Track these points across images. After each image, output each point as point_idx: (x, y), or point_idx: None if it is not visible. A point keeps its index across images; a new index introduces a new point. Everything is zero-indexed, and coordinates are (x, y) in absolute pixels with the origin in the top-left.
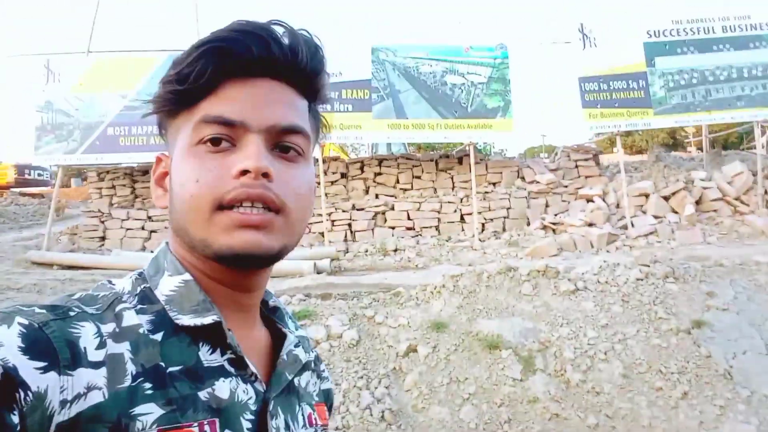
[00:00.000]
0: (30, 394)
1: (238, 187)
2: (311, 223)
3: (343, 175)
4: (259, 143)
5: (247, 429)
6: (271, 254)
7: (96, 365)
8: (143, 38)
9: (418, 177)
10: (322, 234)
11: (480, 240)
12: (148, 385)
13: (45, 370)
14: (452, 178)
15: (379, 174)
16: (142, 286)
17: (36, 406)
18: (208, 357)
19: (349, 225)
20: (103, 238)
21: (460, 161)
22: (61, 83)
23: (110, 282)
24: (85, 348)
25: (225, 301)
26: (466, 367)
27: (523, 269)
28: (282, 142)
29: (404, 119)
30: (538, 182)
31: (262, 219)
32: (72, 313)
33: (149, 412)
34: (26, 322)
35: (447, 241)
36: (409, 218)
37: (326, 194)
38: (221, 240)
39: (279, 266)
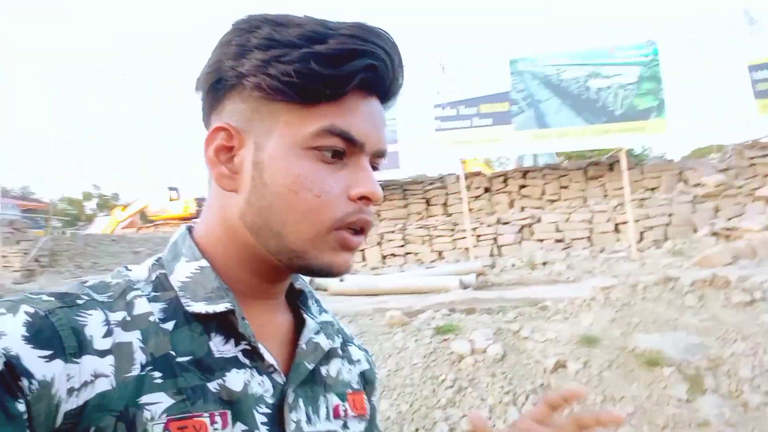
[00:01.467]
0: (35, 383)
1: (357, 212)
2: (456, 239)
3: (487, 190)
4: (369, 167)
5: (262, 423)
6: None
7: (102, 353)
8: None
9: (566, 187)
10: (467, 249)
11: (638, 250)
12: (157, 374)
13: (50, 358)
14: (603, 186)
15: (524, 186)
16: (158, 273)
17: (42, 394)
18: (221, 347)
19: (495, 239)
20: None
21: (611, 168)
22: None
23: (127, 268)
24: (91, 336)
25: (248, 288)
26: (622, 384)
27: (686, 279)
28: (373, 163)
29: (547, 128)
30: (704, 185)
31: (361, 242)
32: (80, 301)
33: (158, 402)
34: (32, 310)
35: (600, 252)
36: (557, 230)
37: (470, 209)
38: (325, 258)
39: (423, 283)
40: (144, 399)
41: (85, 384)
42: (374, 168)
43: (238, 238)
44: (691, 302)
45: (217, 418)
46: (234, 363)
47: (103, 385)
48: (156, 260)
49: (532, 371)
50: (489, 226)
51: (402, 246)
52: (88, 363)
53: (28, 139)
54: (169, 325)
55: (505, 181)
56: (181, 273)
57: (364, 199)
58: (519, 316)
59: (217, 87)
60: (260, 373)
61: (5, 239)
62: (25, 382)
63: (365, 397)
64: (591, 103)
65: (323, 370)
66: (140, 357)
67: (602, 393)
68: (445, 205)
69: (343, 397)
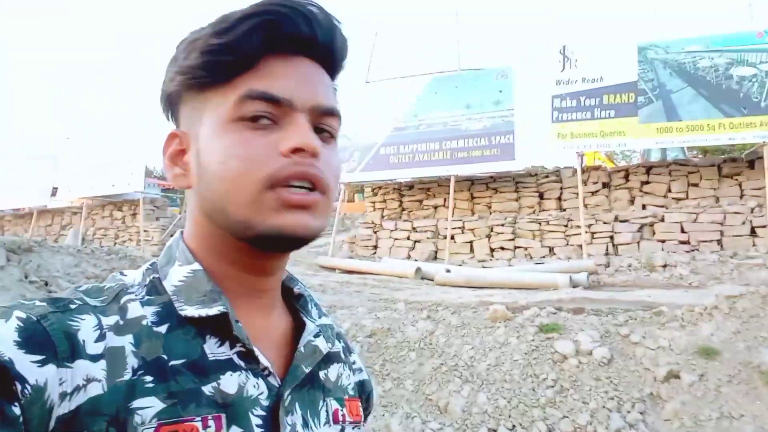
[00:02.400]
0: (28, 387)
1: (291, 165)
2: (569, 236)
3: (605, 185)
4: (306, 122)
5: (257, 425)
6: (314, 235)
7: (95, 358)
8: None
9: (695, 185)
10: (580, 246)
11: None
12: (149, 378)
13: (42, 363)
14: (740, 185)
15: (647, 183)
16: (152, 277)
17: (35, 399)
18: (215, 350)
19: (611, 237)
20: (375, 247)
21: (751, 165)
22: (344, 112)
23: (122, 273)
24: (84, 340)
25: (240, 288)
26: (742, 402)
27: None
28: (320, 124)
29: (677, 121)
30: None
31: (314, 200)
32: (73, 306)
33: (149, 406)
34: (24, 315)
35: (732, 257)
36: (683, 231)
37: (585, 205)
38: (270, 220)
39: (531, 278)
40: (135, 403)
41: (78, 388)
42: (324, 130)
43: (206, 231)
44: None
45: (210, 422)
46: (229, 366)
47: (95, 389)
48: (150, 265)
49: (640, 379)
50: (605, 223)
51: (511, 239)
52: (81, 367)
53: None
54: (162, 329)
55: (626, 176)
56: (174, 277)
57: (298, 151)
58: (630, 320)
59: (168, 104)
60: (255, 376)
61: (147, 215)
62: (18, 387)
63: (360, 404)
64: (732, 94)
65: (322, 374)
66: (132, 361)
67: (719, 410)
68: (559, 199)
69: (341, 402)
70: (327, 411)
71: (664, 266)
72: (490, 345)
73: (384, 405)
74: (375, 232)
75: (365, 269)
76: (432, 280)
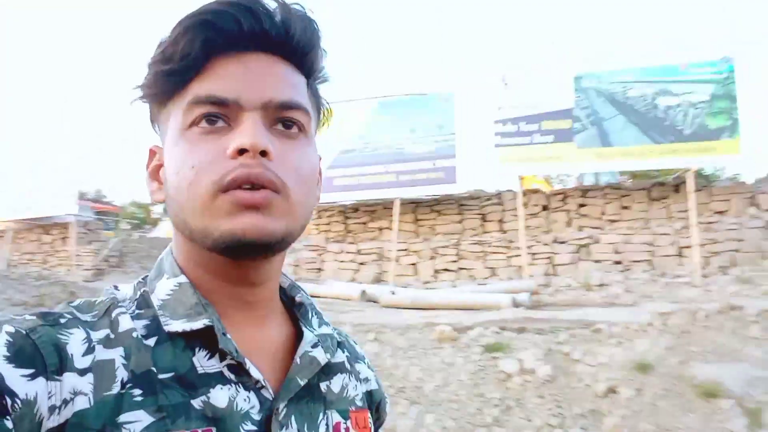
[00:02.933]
0: (18, 401)
1: (237, 167)
2: (510, 257)
3: (545, 208)
4: (256, 120)
5: None
6: (275, 238)
7: (82, 372)
8: (357, 87)
9: (627, 207)
10: (521, 267)
11: (703, 276)
12: (137, 391)
13: (32, 377)
14: (668, 208)
15: (583, 205)
16: (142, 290)
17: (25, 413)
18: (205, 363)
19: (550, 258)
20: (320, 270)
21: (676, 189)
22: None
23: (115, 287)
24: (72, 354)
25: (228, 299)
26: (677, 415)
27: (751, 309)
28: (281, 118)
29: (610, 146)
30: None
31: (264, 197)
32: (63, 320)
33: (137, 420)
34: (13, 330)
35: (661, 276)
36: (616, 252)
37: (526, 227)
38: (223, 225)
39: (475, 299)
40: (123, 417)
41: (65, 402)
42: (293, 123)
43: (183, 244)
44: (756, 333)
45: None
46: (218, 379)
47: (82, 403)
48: (142, 278)
49: (582, 395)
50: (545, 244)
51: (455, 261)
52: (69, 381)
53: (102, 144)
54: (151, 342)
55: (563, 199)
56: (162, 291)
57: (244, 152)
58: (571, 338)
59: (150, 121)
60: (246, 389)
61: (79, 239)
62: (8, 401)
63: (369, 416)
64: (659, 122)
65: (324, 386)
66: (122, 374)
67: (655, 423)
68: (501, 221)
69: (345, 415)
70: (327, 424)
71: (600, 285)
72: (437, 366)
73: None
74: (319, 255)
75: (310, 292)
76: (377, 302)
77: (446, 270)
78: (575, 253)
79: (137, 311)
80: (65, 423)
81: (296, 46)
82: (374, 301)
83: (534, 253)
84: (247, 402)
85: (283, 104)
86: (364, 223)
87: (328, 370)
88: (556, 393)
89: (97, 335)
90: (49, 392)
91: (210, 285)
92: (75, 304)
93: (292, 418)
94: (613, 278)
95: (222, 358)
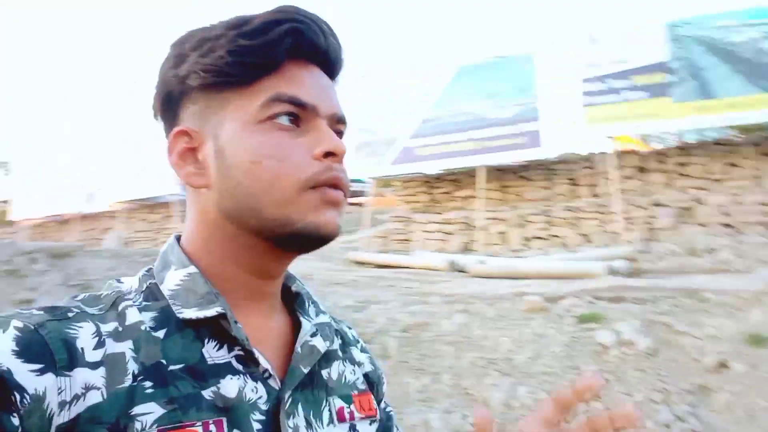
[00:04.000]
0: (27, 397)
1: (326, 169)
2: (605, 222)
3: (641, 169)
4: (328, 128)
5: (258, 430)
6: (338, 235)
7: (94, 365)
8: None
9: (735, 165)
10: (617, 233)
11: None
12: (148, 383)
13: (41, 372)
14: None
15: (685, 164)
16: (149, 282)
17: (34, 408)
18: (214, 354)
19: (649, 223)
20: (407, 240)
21: None
22: (372, 105)
23: (118, 281)
24: (82, 348)
25: (243, 290)
26: None
27: None
28: (335, 130)
29: (713, 99)
30: None
31: (342, 197)
32: (71, 314)
33: (149, 412)
34: (21, 325)
35: None
36: (725, 214)
37: (621, 190)
38: (309, 217)
39: (568, 267)
40: (135, 410)
41: (77, 397)
42: (339, 135)
43: (221, 233)
44: None
45: (212, 427)
46: (228, 369)
47: (95, 397)
48: (146, 271)
49: (687, 369)
50: (642, 208)
51: (545, 228)
52: (80, 376)
53: None
54: (161, 334)
55: (662, 159)
56: (171, 281)
57: (330, 156)
58: (674, 308)
59: (168, 102)
60: (254, 379)
61: (180, 217)
62: (17, 397)
63: (373, 398)
64: None
65: (324, 373)
66: (133, 366)
67: None
68: (592, 185)
69: (348, 400)
70: (330, 410)
71: (707, 250)
72: (528, 337)
73: (422, 400)
74: (406, 226)
75: (398, 263)
76: (466, 272)
77: (536, 238)
78: (677, 217)
79: (144, 303)
80: (76, 418)
81: (338, 68)
82: (462, 271)
83: (630, 218)
84: (254, 392)
85: (341, 118)
86: (449, 192)
87: (327, 358)
88: (659, 367)
89: (107, 328)
90: (59, 388)
91: (226, 275)
92: (80, 298)
93: (299, 406)
94: (721, 242)
95: (231, 349)
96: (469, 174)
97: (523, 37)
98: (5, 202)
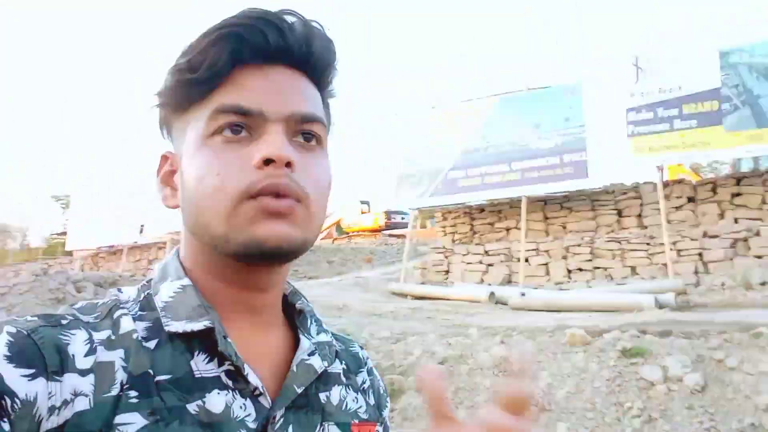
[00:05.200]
0: (18, 402)
1: (264, 177)
2: (653, 254)
3: (690, 199)
4: (279, 132)
5: None
6: (295, 246)
7: (83, 372)
8: (478, 86)
9: None
10: (665, 265)
11: None
12: (133, 393)
13: (33, 377)
14: None
15: (738, 195)
16: (146, 293)
17: (24, 413)
18: (203, 367)
19: (700, 255)
20: (447, 272)
21: None
22: (413, 137)
23: (119, 290)
24: (73, 355)
25: (232, 304)
26: None
27: None
28: (301, 131)
29: (767, 127)
30: None
31: (288, 206)
32: (64, 321)
33: (131, 422)
34: (14, 330)
35: None
36: None
37: (669, 221)
38: (247, 231)
39: (612, 300)
40: (118, 419)
41: (65, 402)
42: (312, 136)
43: (195, 248)
44: None
45: None
46: (216, 383)
47: (82, 404)
48: (147, 281)
49: (739, 407)
50: (693, 239)
51: (590, 260)
52: (70, 381)
53: None
54: (152, 344)
55: (713, 189)
56: (165, 293)
57: (270, 163)
58: (726, 343)
59: (162, 127)
60: (243, 396)
61: None
62: (8, 401)
63: (378, 428)
64: None
65: (322, 396)
66: (121, 376)
67: None
68: (639, 216)
69: (345, 428)
70: None
71: (763, 284)
72: (568, 371)
73: None
74: (446, 257)
75: (437, 295)
76: (506, 304)
77: (580, 270)
78: (730, 248)
79: (140, 313)
80: (65, 424)
81: (315, 62)
82: (503, 303)
83: (680, 250)
84: (242, 410)
85: (304, 117)
86: (491, 224)
87: (327, 380)
88: (708, 404)
89: (99, 336)
90: (50, 393)
91: (216, 289)
92: (77, 306)
93: (290, 428)
94: None
95: (220, 363)
96: (511, 205)
97: (568, 67)
98: (64, 233)
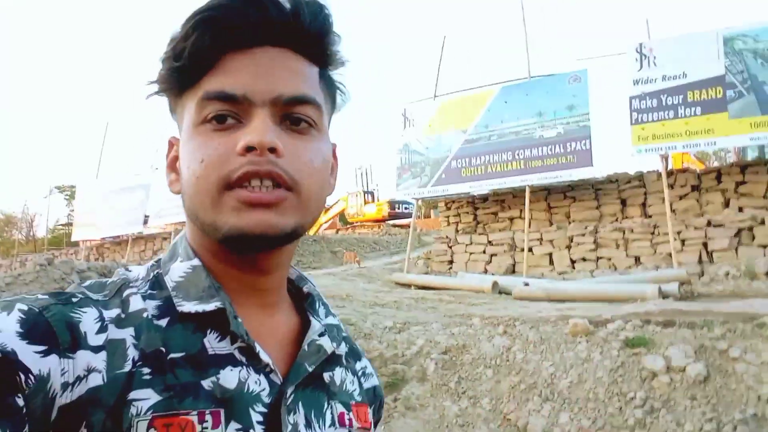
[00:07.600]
0: (31, 378)
1: (245, 164)
2: (656, 244)
3: (695, 188)
4: (265, 117)
5: (258, 422)
6: (284, 234)
7: (96, 349)
8: (479, 75)
9: None
10: (670, 255)
11: None
12: (146, 370)
13: (45, 353)
14: None
15: (743, 183)
16: (155, 272)
17: (38, 389)
18: (216, 345)
19: (704, 244)
20: (451, 262)
21: None
22: (414, 127)
23: (127, 269)
24: (85, 332)
25: (238, 285)
26: None
27: None
28: (291, 114)
29: None
30: None
31: (275, 197)
32: (75, 299)
33: (145, 398)
34: (26, 307)
35: None
36: None
37: (673, 210)
38: (230, 221)
39: (616, 290)
40: (132, 395)
41: (79, 379)
42: (301, 119)
43: (197, 233)
44: None
45: (207, 417)
46: (229, 360)
47: (96, 380)
48: (156, 261)
49: (742, 398)
50: (697, 228)
51: (593, 250)
52: (82, 358)
53: None
54: (163, 322)
55: (718, 177)
56: (176, 273)
57: (252, 150)
58: (729, 333)
59: (171, 112)
60: (257, 372)
61: None
62: (22, 378)
63: (369, 411)
64: None
65: (327, 376)
66: (133, 353)
67: None
68: (643, 205)
69: (347, 407)
70: (332, 413)
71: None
72: (571, 361)
73: (461, 425)
74: (450, 247)
75: (440, 285)
76: (510, 294)
77: (583, 259)
78: (735, 237)
79: (150, 291)
80: (78, 399)
81: (307, 36)
82: (507, 293)
83: (684, 239)
84: (258, 384)
85: (291, 99)
86: (494, 213)
87: (332, 361)
88: (711, 395)
89: (110, 314)
90: (62, 369)
91: (222, 271)
92: (86, 285)
93: (300, 403)
94: None
95: (233, 341)
96: (515, 194)
97: (571, 55)
98: (70, 224)
